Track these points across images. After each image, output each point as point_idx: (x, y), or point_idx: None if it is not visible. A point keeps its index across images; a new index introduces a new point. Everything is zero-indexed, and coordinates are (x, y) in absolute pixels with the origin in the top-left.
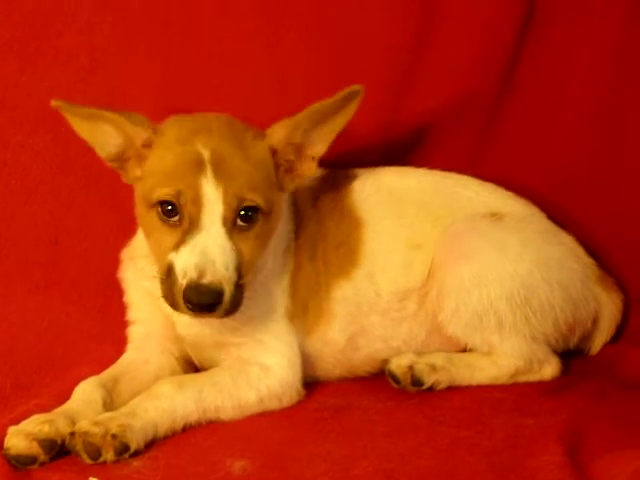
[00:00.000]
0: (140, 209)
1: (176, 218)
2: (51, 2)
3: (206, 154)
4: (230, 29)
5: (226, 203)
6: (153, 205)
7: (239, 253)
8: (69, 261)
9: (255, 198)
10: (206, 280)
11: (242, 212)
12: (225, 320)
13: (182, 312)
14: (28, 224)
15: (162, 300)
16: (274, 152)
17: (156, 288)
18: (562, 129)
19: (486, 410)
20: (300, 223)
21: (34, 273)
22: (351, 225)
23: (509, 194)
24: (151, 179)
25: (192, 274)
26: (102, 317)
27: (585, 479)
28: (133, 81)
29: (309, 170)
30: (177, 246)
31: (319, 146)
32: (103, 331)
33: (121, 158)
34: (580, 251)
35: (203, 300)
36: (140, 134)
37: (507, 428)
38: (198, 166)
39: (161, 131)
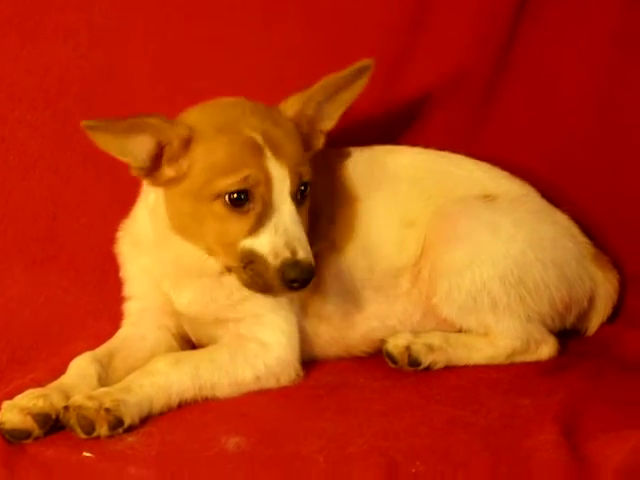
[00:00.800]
0: (184, 207)
1: (247, 204)
2: None
3: (258, 137)
4: (228, 6)
5: (292, 180)
6: (216, 197)
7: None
8: (67, 236)
9: (308, 172)
10: (300, 256)
11: (302, 187)
12: (225, 297)
13: (276, 294)
14: (26, 199)
15: (239, 286)
16: (296, 125)
17: (154, 266)
18: (558, 108)
19: (482, 390)
20: None
21: (32, 248)
22: (345, 201)
23: (503, 173)
24: (204, 173)
25: (285, 253)
26: (99, 293)
27: (580, 459)
28: (132, 57)
29: (318, 144)
30: (253, 231)
31: (328, 121)
32: (100, 307)
33: (154, 165)
34: (575, 230)
35: (305, 276)
36: (180, 132)
37: (503, 408)
38: (256, 149)
39: (193, 125)
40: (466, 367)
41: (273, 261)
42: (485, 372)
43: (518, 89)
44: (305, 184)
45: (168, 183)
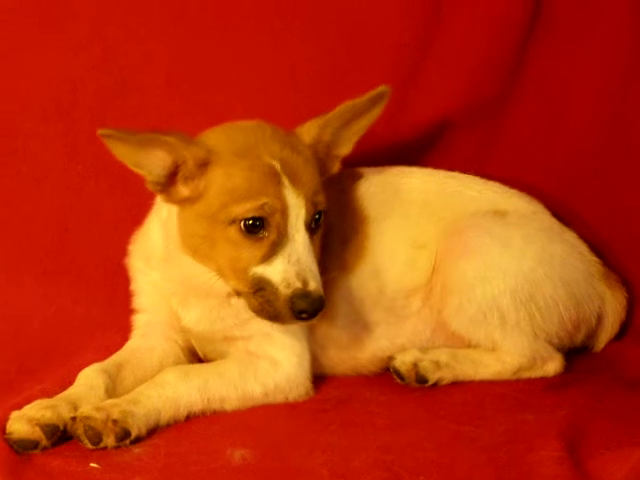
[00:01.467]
0: (198, 228)
1: (262, 231)
2: None
3: (277, 165)
4: (241, 21)
5: (307, 210)
6: (232, 222)
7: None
8: (78, 248)
9: (323, 200)
10: (311, 287)
11: (316, 216)
12: (233, 316)
13: (285, 322)
14: (38, 211)
15: (244, 311)
16: (312, 151)
17: (164, 282)
18: (568, 128)
19: (487, 405)
20: None
21: (43, 260)
22: (357, 222)
23: (513, 192)
24: (221, 197)
25: (297, 283)
26: (109, 305)
27: (583, 475)
28: (144, 70)
29: (333, 169)
30: (266, 258)
31: (344, 146)
32: (109, 318)
33: (168, 181)
34: (584, 248)
35: (315, 307)
36: (196, 153)
37: (507, 423)
38: (274, 177)
39: (212, 147)
40: (471, 382)
41: (284, 290)
42: (490, 387)
43: (527, 109)
44: (320, 212)
45: (183, 202)
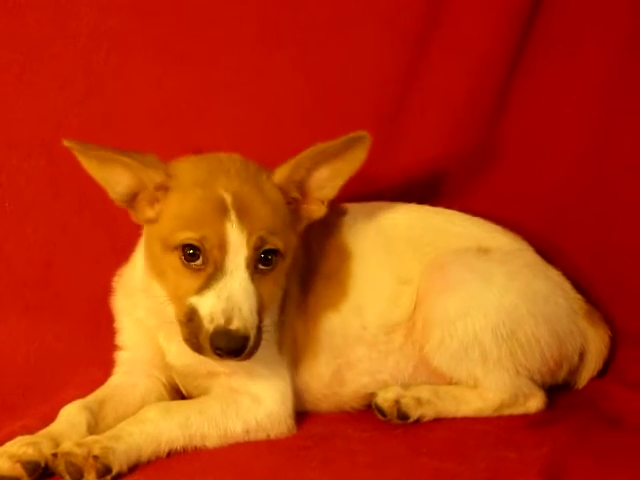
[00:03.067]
0: (155, 251)
1: (199, 262)
2: (49, 27)
3: (228, 198)
4: (225, 55)
5: (250, 247)
6: (175, 248)
7: (260, 296)
8: (61, 283)
9: (276, 241)
10: (234, 326)
11: (263, 255)
12: None
13: (207, 356)
14: (21, 246)
15: (177, 341)
16: (283, 191)
17: (149, 318)
18: (552, 164)
19: (469, 442)
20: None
21: (25, 294)
22: (340, 258)
23: (497, 228)
24: (171, 222)
25: (219, 320)
26: (91, 340)
27: None
28: (128, 106)
29: (318, 212)
30: (200, 290)
31: (327, 190)
32: (92, 354)
33: (132, 199)
34: (567, 286)
35: (231, 346)
36: (153, 177)
37: (489, 460)
38: (221, 210)
39: (175, 174)
40: (454, 419)
41: (207, 325)
42: (472, 424)
43: (513, 144)
44: (271, 252)
45: (147, 222)
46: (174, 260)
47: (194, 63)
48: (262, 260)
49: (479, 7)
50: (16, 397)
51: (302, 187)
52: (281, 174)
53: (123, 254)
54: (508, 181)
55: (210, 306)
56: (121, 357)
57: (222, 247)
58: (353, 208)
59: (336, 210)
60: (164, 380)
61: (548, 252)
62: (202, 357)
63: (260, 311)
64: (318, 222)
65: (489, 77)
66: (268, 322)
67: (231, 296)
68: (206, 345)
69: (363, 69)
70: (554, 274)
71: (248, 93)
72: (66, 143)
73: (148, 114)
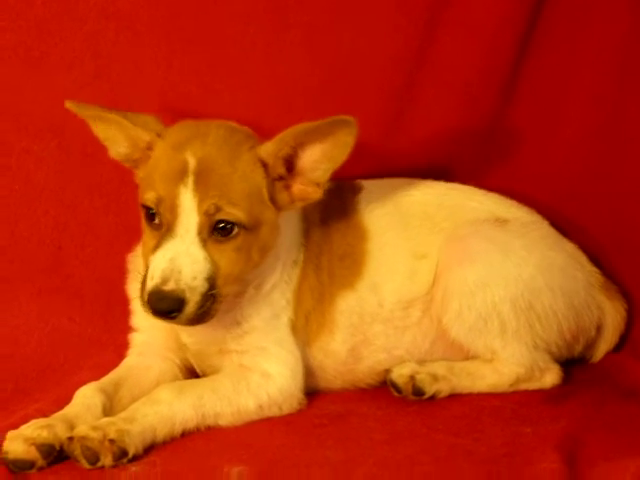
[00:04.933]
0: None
1: (157, 222)
2: (57, 8)
3: (192, 162)
4: (233, 36)
5: (201, 214)
6: (142, 207)
7: (214, 264)
8: (72, 266)
9: (234, 212)
10: (168, 287)
11: (220, 224)
12: (228, 329)
13: (148, 313)
14: (32, 229)
15: None
16: (265, 166)
17: None
18: (564, 139)
19: (485, 418)
20: (307, 235)
21: (37, 278)
22: (356, 237)
23: (513, 202)
24: (144, 182)
25: (157, 279)
26: (104, 323)
27: None
28: (137, 87)
29: (314, 194)
30: (154, 249)
31: (320, 173)
32: (105, 337)
33: (130, 159)
34: (583, 259)
35: (161, 306)
36: (142, 137)
37: (505, 436)
38: (181, 174)
39: (164, 135)
40: (469, 395)
41: (148, 282)
42: (487, 400)
43: (524, 120)
44: (227, 222)
45: (140, 182)
46: (143, 219)
47: (202, 44)
48: (219, 229)
49: None
50: (30, 380)
51: (292, 166)
52: (265, 148)
53: (134, 235)
54: (521, 157)
55: (154, 265)
56: (135, 339)
57: (173, 210)
58: (369, 185)
59: (352, 187)
60: (178, 362)
61: (563, 226)
62: (214, 335)
63: (212, 278)
64: (334, 200)
65: (500, 55)
66: (228, 292)
67: (174, 258)
68: (144, 302)
69: (374, 48)
70: (570, 247)
71: (257, 73)
72: (67, 104)
73: (156, 95)
